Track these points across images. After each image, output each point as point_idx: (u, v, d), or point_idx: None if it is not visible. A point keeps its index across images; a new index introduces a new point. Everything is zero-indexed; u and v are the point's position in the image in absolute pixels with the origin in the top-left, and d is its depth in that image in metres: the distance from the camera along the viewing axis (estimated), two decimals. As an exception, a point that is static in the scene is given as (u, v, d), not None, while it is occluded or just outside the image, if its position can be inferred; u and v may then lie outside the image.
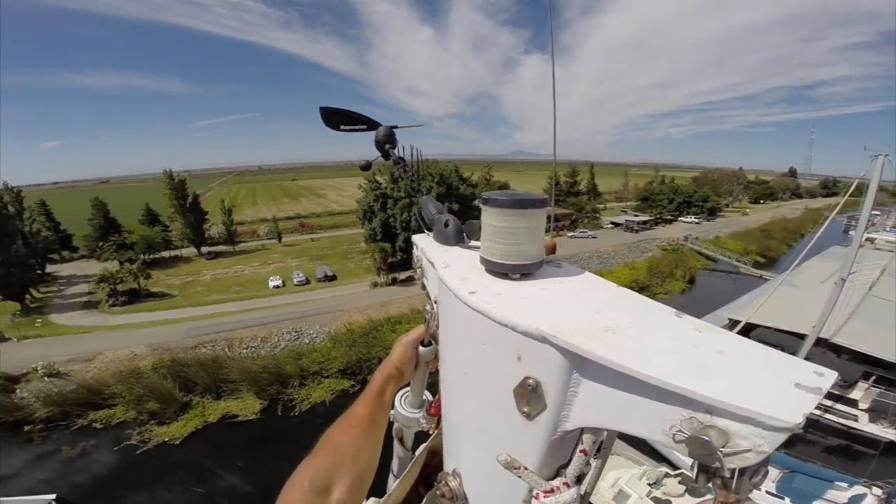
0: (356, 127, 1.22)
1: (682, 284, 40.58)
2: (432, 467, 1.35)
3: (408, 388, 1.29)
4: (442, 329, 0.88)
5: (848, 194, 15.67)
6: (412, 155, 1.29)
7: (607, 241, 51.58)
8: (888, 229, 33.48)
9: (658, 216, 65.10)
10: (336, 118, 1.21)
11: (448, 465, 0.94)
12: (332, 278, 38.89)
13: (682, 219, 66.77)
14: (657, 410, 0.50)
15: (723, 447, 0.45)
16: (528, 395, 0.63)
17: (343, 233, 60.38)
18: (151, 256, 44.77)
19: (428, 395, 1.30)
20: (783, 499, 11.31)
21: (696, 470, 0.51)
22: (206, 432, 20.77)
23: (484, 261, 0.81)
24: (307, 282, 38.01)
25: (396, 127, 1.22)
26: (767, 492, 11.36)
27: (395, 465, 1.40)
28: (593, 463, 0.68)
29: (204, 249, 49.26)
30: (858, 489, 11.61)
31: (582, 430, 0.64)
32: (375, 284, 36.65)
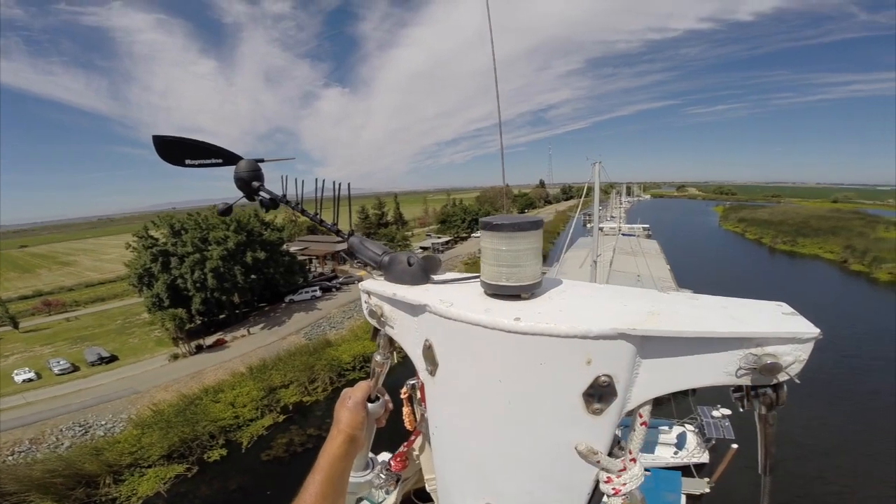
0: (208, 161, 0.98)
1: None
2: None
3: None
4: (450, 371, 0.81)
5: (584, 196, 20.09)
6: (334, 190, 1.06)
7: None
8: (609, 219, 44.46)
9: (456, 235, 73.08)
10: (177, 151, 0.96)
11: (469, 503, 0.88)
12: (112, 359, 30.86)
13: (473, 235, 75.81)
14: (716, 359, 0.61)
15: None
16: (601, 392, 0.66)
17: (112, 306, 48.35)
18: None
19: (370, 454, 1.18)
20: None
21: (745, 394, 0.64)
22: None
23: (491, 286, 0.78)
24: (75, 368, 29.37)
25: (262, 161, 1.03)
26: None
27: None
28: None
29: None
30: (678, 429, 13.50)
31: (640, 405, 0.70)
32: (176, 356, 30.62)
